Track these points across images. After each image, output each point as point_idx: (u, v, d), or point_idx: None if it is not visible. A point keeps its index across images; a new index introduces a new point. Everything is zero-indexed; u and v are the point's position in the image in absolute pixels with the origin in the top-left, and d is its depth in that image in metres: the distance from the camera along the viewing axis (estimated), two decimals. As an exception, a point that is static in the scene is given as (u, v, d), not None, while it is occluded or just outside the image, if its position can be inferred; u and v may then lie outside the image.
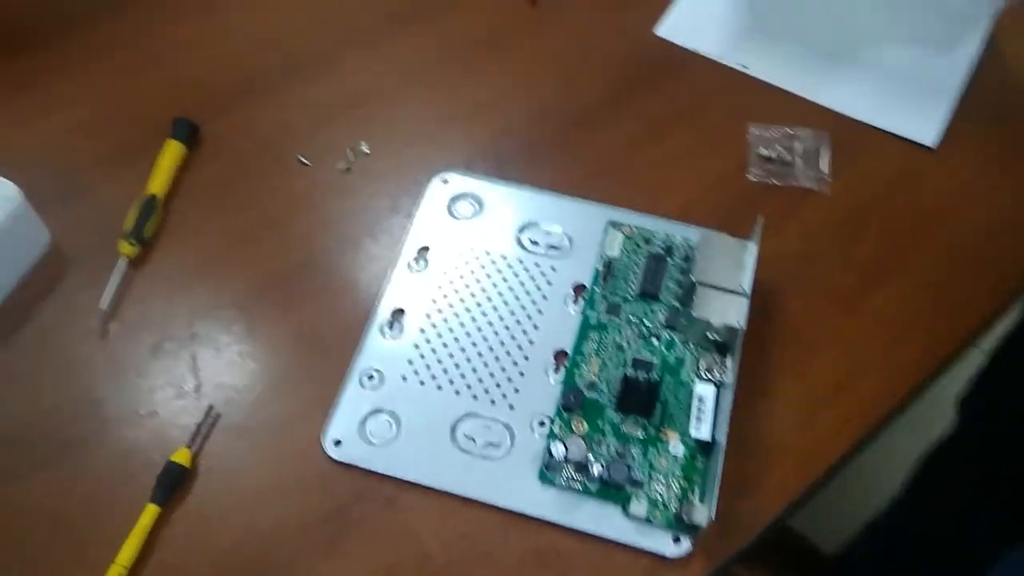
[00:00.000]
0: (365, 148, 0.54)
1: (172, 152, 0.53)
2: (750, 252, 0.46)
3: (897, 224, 0.52)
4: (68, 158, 0.54)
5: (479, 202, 0.52)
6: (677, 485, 0.42)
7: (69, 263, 0.50)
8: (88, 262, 0.49)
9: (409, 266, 0.49)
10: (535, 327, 0.47)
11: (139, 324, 0.47)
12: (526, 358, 0.46)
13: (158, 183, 0.51)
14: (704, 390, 0.44)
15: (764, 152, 0.54)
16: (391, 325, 0.47)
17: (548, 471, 0.43)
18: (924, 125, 0.56)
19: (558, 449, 0.41)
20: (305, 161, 0.54)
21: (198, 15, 0.61)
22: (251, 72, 0.57)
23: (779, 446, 0.44)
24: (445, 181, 0.53)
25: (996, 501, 0.63)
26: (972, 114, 0.56)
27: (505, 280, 0.49)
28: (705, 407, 0.44)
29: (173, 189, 0.52)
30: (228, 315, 0.48)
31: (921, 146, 0.55)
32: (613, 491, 0.42)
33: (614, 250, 0.48)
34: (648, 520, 0.41)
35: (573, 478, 0.42)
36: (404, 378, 0.45)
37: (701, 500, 0.42)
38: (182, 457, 0.43)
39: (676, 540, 0.41)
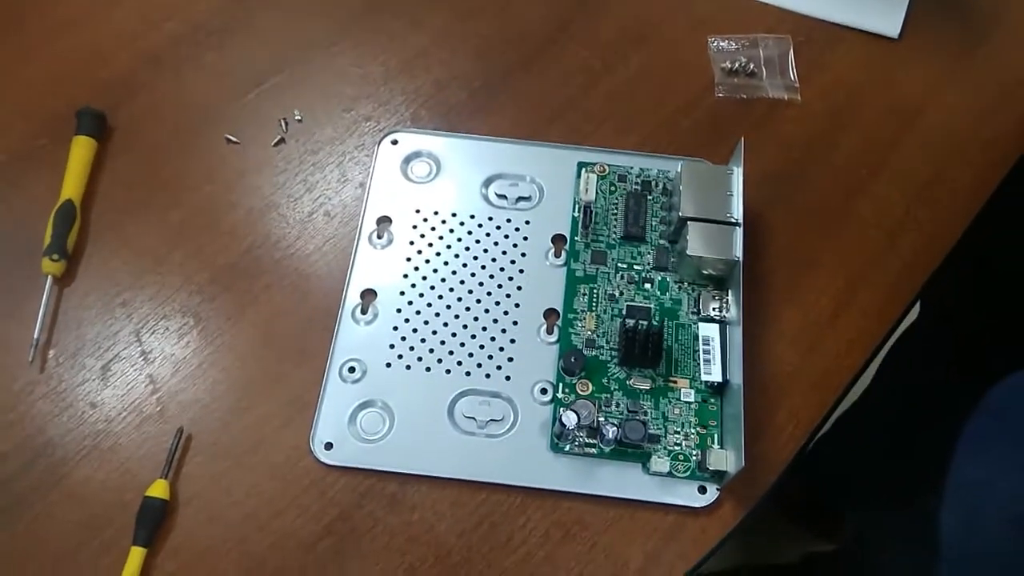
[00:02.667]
0: (298, 116, 0.49)
1: (81, 149, 0.46)
2: (736, 177, 0.44)
3: (871, 123, 0.50)
4: (-41, 171, 0.47)
5: (435, 160, 0.47)
6: (696, 433, 0.40)
7: (-15, 292, 0.44)
8: (8, 289, 0.43)
9: (371, 241, 0.45)
10: (519, 288, 0.44)
11: (80, 349, 0.42)
12: (515, 323, 0.43)
13: (72, 186, 0.45)
14: (708, 330, 0.42)
15: (728, 65, 0.51)
16: (363, 309, 0.43)
17: (559, 440, 0.40)
18: (886, 16, 0.53)
19: (568, 417, 0.39)
20: (233, 139, 0.48)
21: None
22: (154, 47, 0.51)
23: (789, 377, 0.42)
24: (395, 142, 0.48)
25: (955, 371, 0.64)
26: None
27: (478, 241, 0.45)
28: (712, 348, 0.41)
29: (90, 191, 0.46)
30: (178, 324, 0.43)
31: (884, 38, 0.53)
32: (631, 451, 0.40)
33: (589, 193, 0.45)
34: (671, 474, 0.39)
35: (587, 444, 0.40)
36: (388, 365, 0.42)
37: (721, 445, 0.40)
38: (159, 490, 0.38)
39: (702, 490, 0.39)
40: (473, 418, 0.41)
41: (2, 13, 0.52)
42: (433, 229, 0.45)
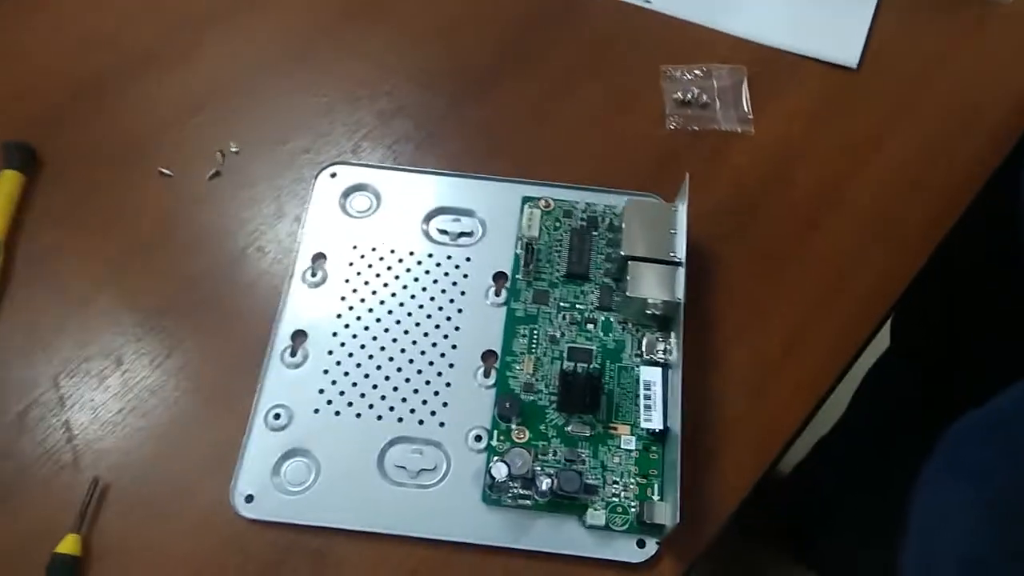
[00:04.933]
0: (234, 148, 0.47)
1: (8, 184, 0.45)
2: (680, 214, 0.42)
3: (826, 156, 0.48)
4: None
5: (375, 194, 0.46)
6: (635, 483, 0.39)
7: (-100, 332, 0.42)
8: (-78, 329, 0.42)
9: (305, 279, 0.43)
10: (457, 328, 0.42)
11: (-4, 394, 0.40)
12: (451, 365, 0.41)
13: (-6, 223, 0.44)
14: (650, 374, 0.40)
15: (680, 96, 0.49)
16: (293, 352, 0.41)
17: (492, 492, 0.38)
18: (844, 45, 0.52)
19: (499, 469, 0.37)
20: (167, 172, 0.46)
21: (10, 14, 0.51)
22: (85, 77, 0.49)
23: (736, 422, 0.41)
24: (333, 175, 0.46)
25: (925, 399, 0.63)
26: (889, 28, 0.53)
27: (416, 280, 0.43)
28: (654, 393, 0.40)
29: (15, 227, 0.44)
30: (99, 367, 0.41)
31: (843, 68, 0.51)
32: (566, 503, 0.38)
33: (532, 230, 0.43)
34: (608, 527, 0.38)
35: (521, 495, 0.38)
36: (316, 411, 0.40)
37: (662, 496, 0.38)
38: (69, 546, 0.37)
39: (641, 544, 0.38)
40: (404, 467, 0.39)
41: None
42: (370, 266, 0.44)
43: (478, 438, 0.40)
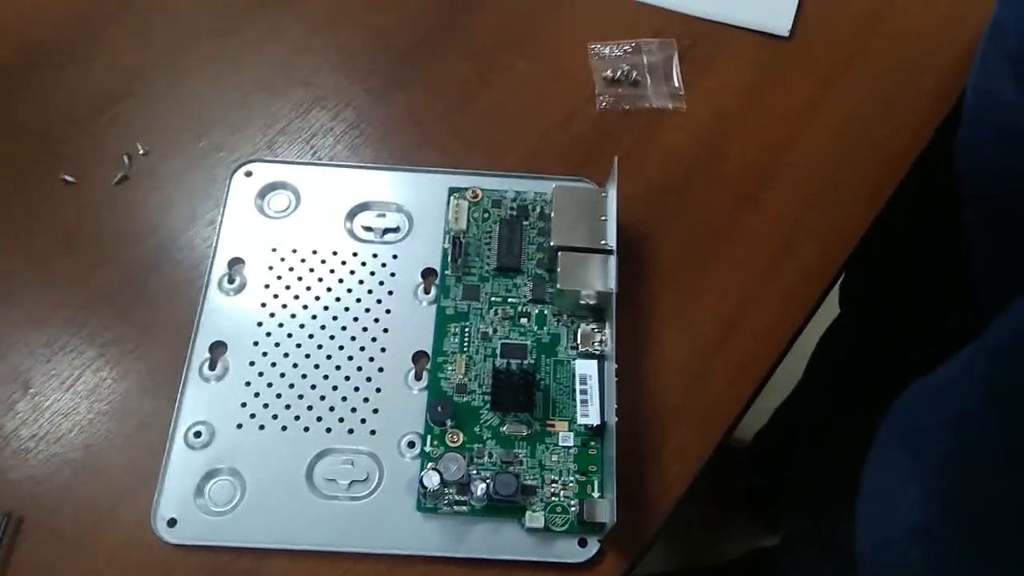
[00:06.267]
0: (142, 150, 0.45)
1: None
2: (610, 199, 0.41)
3: (763, 128, 0.47)
4: None
5: (294, 192, 0.44)
6: (574, 481, 0.38)
7: None
8: None
9: (222, 286, 0.41)
10: (385, 330, 0.40)
11: None
12: (380, 370, 0.40)
13: None
14: (586, 367, 0.39)
15: (610, 74, 0.47)
16: (212, 364, 0.39)
17: (426, 500, 0.37)
18: (775, 13, 0.50)
19: (430, 477, 0.36)
20: (70, 179, 0.44)
21: None
22: (-23, 77, 0.46)
23: (676, 410, 0.40)
24: (249, 174, 0.44)
25: (877, 364, 0.63)
26: (821, -8, 0.51)
27: (341, 281, 0.42)
28: (590, 387, 0.39)
29: (-94, 245, 0.42)
30: (6, 394, 0.39)
31: (775, 37, 0.50)
32: (504, 506, 0.37)
33: (460, 222, 0.42)
34: (548, 529, 0.37)
35: (457, 502, 0.37)
36: (239, 426, 0.38)
37: (602, 493, 0.37)
38: (-21, 586, 0.35)
39: (583, 543, 0.37)
40: (334, 480, 0.37)
41: None
42: (291, 269, 0.42)
43: (411, 444, 0.38)
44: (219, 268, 0.41)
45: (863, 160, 0.47)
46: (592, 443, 0.38)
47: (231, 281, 0.41)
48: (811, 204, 0.45)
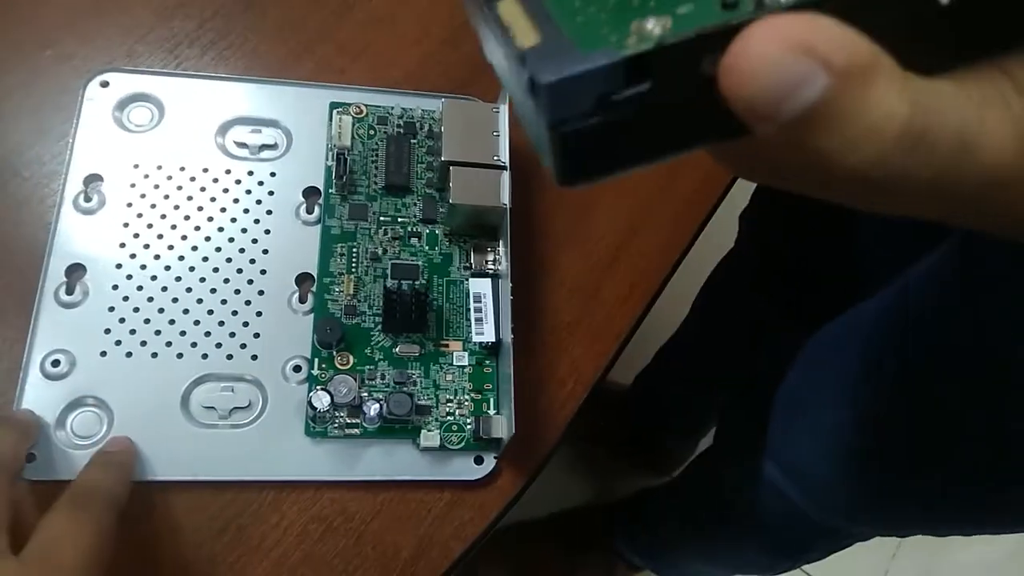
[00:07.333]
0: (-23, 55, 0.39)
1: None
2: (502, 115, 0.39)
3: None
4: None
5: (157, 105, 0.40)
6: (469, 400, 0.37)
7: None
8: None
9: (77, 204, 0.37)
10: (265, 252, 0.38)
11: None
12: (260, 292, 0.37)
13: None
14: (480, 286, 0.38)
15: (497, -9, 0.46)
16: (69, 289, 0.36)
17: (315, 424, 0.35)
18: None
19: (320, 398, 0.34)
20: None
21: None
22: None
23: (569, 328, 0.40)
24: (105, 84, 0.40)
25: (770, 301, 0.65)
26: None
27: (213, 199, 0.39)
28: (484, 305, 0.38)
29: None
30: None
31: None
32: (398, 427, 0.36)
33: (344, 139, 0.39)
34: (444, 447, 0.36)
35: (348, 424, 0.35)
36: (103, 354, 0.35)
37: (498, 410, 0.37)
38: None
39: (479, 461, 0.36)
40: (213, 408, 0.35)
41: None
42: (157, 187, 0.38)
43: (297, 368, 0.36)
44: (74, 185, 0.37)
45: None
46: (487, 362, 0.38)
47: (88, 199, 0.37)
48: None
